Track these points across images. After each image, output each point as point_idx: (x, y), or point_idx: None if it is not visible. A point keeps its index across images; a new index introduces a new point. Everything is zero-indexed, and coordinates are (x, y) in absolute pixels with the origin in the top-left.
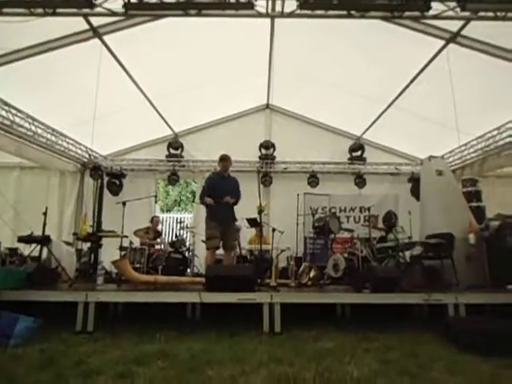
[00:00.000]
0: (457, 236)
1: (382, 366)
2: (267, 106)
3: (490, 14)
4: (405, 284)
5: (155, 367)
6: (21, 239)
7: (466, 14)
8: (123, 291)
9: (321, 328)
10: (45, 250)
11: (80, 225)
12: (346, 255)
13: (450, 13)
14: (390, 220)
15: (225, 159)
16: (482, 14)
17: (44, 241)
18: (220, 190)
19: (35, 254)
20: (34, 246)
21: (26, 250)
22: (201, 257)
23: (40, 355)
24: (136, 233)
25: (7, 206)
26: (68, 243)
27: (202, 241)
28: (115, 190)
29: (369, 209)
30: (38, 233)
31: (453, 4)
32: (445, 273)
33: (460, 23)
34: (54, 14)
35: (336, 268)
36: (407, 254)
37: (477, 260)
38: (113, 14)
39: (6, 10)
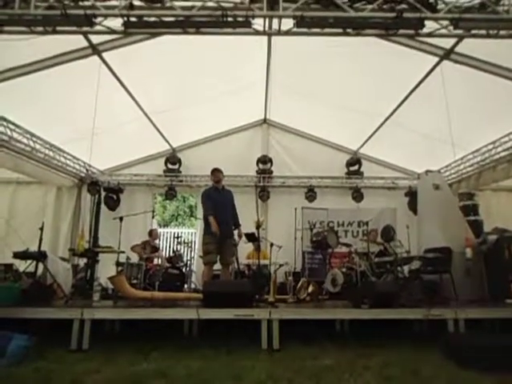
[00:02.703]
0: (455, 250)
1: (381, 382)
2: (265, 120)
3: (483, 31)
4: (404, 299)
5: None
6: (16, 255)
7: (459, 31)
8: (119, 308)
9: (320, 344)
10: (40, 266)
11: (76, 240)
12: (344, 270)
13: (444, 31)
14: (389, 234)
15: (217, 170)
16: (474, 31)
17: (40, 257)
18: (217, 204)
19: (31, 269)
20: (29, 261)
21: (21, 265)
22: (198, 272)
23: (34, 374)
24: (133, 248)
25: (2, 222)
26: (64, 259)
27: (200, 256)
28: (112, 204)
29: (367, 223)
30: (33, 248)
31: (446, 22)
32: (444, 287)
33: (453, 40)
34: (54, 32)
35: (334, 283)
36: (405, 268)
37: (475, 274)
38: (112, 32)
39: (6, 29)
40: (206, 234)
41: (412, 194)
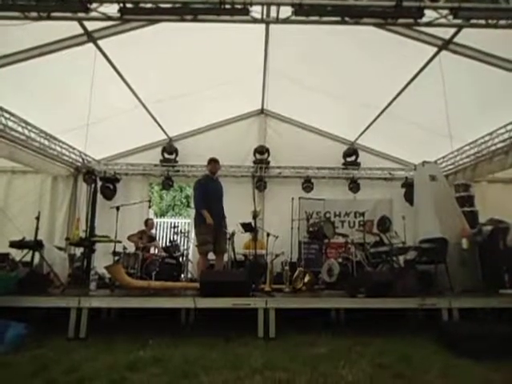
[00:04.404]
0: (450, 241)
1: (376, 370)
2: (262, 110)
3: (482, 21)
4: (399, 289)
5: (149, 373)
6: (13, 244)
7: (459, 21)
8: (116, 297)
9: (315, 333)
10: (37, 256)
11: (72, 230)
12: (340, 260)
13: (443, 20)
14: (384, 225)
15: (216, 161)
16: (473, 21)
17: (36, 246)
18: (212, 194)
19: (27, 259)
20: (25, 251)
21: (17, 255)
22: (195, 262)
23: (32, 362)
24: (130, 238)
25: None
26: (60, 248)
27: (196, 245)
28: (109, 194)
29: (363, 214)
30: (29, 238)
31: (445, 12)
32: (438, 277)
33: (452, 30)
34: (49, 18)
35: (330, 273)
36: (401, 258)
37: (470, 265)
38: (108, 18)
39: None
40: (202, 224)
41: (408, 185)
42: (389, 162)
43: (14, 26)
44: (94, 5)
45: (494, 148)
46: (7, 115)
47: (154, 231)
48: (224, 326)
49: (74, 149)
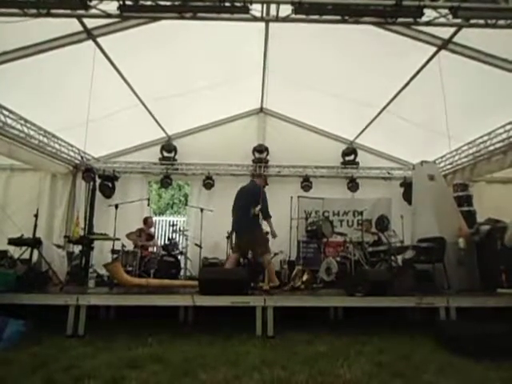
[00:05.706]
0: (448, 240)
1: (374, 368)
2: (261, 109)
3: (481, 21)
4: (397, 287)
5: (148, 371)
6: (11, 241)
7: (458, 20)
8: (115, 294)
9: (314, 331)
10: (35, 253)
11: (71, 227)
12: (338, 259)
13: (442, 19)
14: (383, 224)
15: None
16: (473, 21)
17: (34, 243)
18: None
19: (25, 256)
20: (24, 248)
21: (16, 252)
22: (194, 260)
23: (30, 359)
24: (128, 236)
25: None
26: (59, 246)
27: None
28: (108, 192)
29: (362, 213)
30: (28, 235)
31: (445, 11)
32: (436, 277)
33: (452, 30)
34: (48, 14)
35: (329, 272)
36: (399, 257)
37: (468, 264)
38: (107, 15)
39: None
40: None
41: (407, 185)
42: (387, 162)
43: (13, 22)
44: (94, 2)
45: (492, 148)
46: (6, 112)
47: (152, 229)
48: (223, 324)
49: (72, 146)
